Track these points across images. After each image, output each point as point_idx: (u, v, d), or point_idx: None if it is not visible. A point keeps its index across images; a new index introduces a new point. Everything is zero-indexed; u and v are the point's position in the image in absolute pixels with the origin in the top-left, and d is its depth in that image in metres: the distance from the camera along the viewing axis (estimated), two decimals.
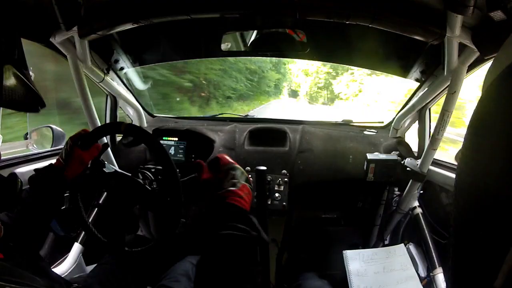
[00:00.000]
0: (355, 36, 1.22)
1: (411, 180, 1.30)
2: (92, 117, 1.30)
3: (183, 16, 0.92)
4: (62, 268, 1.26)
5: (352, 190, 1.48)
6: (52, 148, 1.43)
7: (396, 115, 1.50)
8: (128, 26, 0.99)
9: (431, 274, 1.17)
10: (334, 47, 1.41)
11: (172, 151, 1.48)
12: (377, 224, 1.52)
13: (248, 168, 1.34)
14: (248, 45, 1.44)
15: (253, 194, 1.26)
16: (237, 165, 0.73)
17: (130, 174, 0.87)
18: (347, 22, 0.86)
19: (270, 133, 1.49)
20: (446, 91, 1.11)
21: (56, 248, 1.31)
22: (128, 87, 1.61)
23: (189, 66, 7.61)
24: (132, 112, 1.67)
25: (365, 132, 1.56)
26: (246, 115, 1.89)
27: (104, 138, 1.34)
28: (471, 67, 1.02)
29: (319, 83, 19.16)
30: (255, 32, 1.40)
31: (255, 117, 1.83)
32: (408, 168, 1.28)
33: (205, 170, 0.77)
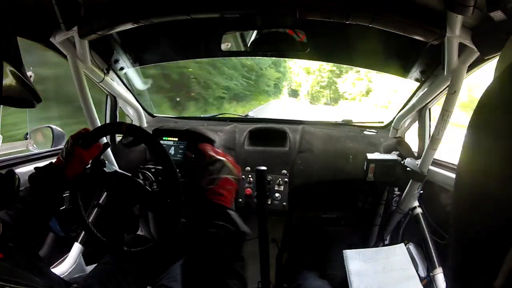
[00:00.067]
0: (355, 36, 1.22)
1: (411, 180, 1.31)
2: (92, 117, 1.30)
3: (183, 16, 0.92)
4: (62, 268, 1.26)
5: (352, 190, 1.48)
6: (52, 148, 1.43)
7: (396, 115, 1.50)
8: (128, 26, 0.99)
9: (431, 274, 1.17)
10: (334, 47, 1.41)
11: (172, 151, 1.48)
12: (377, 224, 1.52)
13: (248, 168, 1.34)
14: (248, 45, 1.44)
15: (253, 194, 1.27)
16: (218, 157, 0.70)
17: (130, 174, 0.87)
18: (347, 22, 0.86)
19: (270, 133, 1.49)
20: (446, 91, 1.11)
21: (56, 248, 1.31)
22: (128, 87, 1.61)
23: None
24: (132, 112, 1.67)
25: (365, 132, 1.56)
26: (246, 115, 1.89)
27: (104, 138, 1.34)
28: (471, 67, 1.02)
29: (321, 82, 17.96)
30: (255, 32, 1.40)
31: (255, 117, 1.84)
32: (408, 168, 1.28)
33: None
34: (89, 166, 0.87)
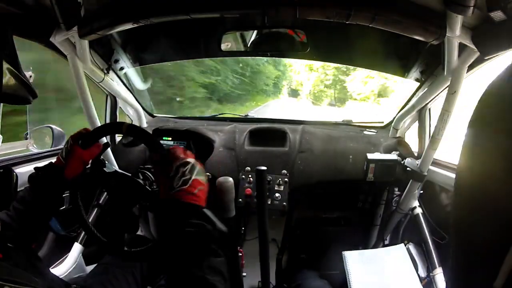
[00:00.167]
0: (355, 36, 1.22)
1: (411, 180, 1.30)
2: (92, 117, 1.30)
3: (183, 16, 0.92)
4: (62, 268, 1.26)
5: (352, 190, 1.48)
6: (52, 148, 1.43)
7: (396, 115, 1.51)
8: (128, 26, 0.99)
9: (431, 274, 1.17)
10: (334, 47, 1.42)
11: None
12: (377, 224, 1.53)
13: (248, 168, 1.34)
14: (248, 45, 1.44)
15: (253, 194, 1.27)
16: (188, 159, 0.69)
17: (130, 174, 0.87)
18: (347, 22, 0.86)
19: (270, 133, 1.49)
20: (446, 91, 1.11)
21: (56, 248, 1.31)
22: (128, 87, 1.61)
23: None
24: (132, 112, 1.67)
25: (365, 132, 1.56)
26: (246, 115, 1.90)
27: (104, 138, 1.34)
28: (471, 67, 1.02)
29: (326, 80, 16.07)
30: (255, 32, 1.40)
31: (255, 117, 1.84)
32: (408, 168, 1.28)
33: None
34: (89, 166, 0.87)
